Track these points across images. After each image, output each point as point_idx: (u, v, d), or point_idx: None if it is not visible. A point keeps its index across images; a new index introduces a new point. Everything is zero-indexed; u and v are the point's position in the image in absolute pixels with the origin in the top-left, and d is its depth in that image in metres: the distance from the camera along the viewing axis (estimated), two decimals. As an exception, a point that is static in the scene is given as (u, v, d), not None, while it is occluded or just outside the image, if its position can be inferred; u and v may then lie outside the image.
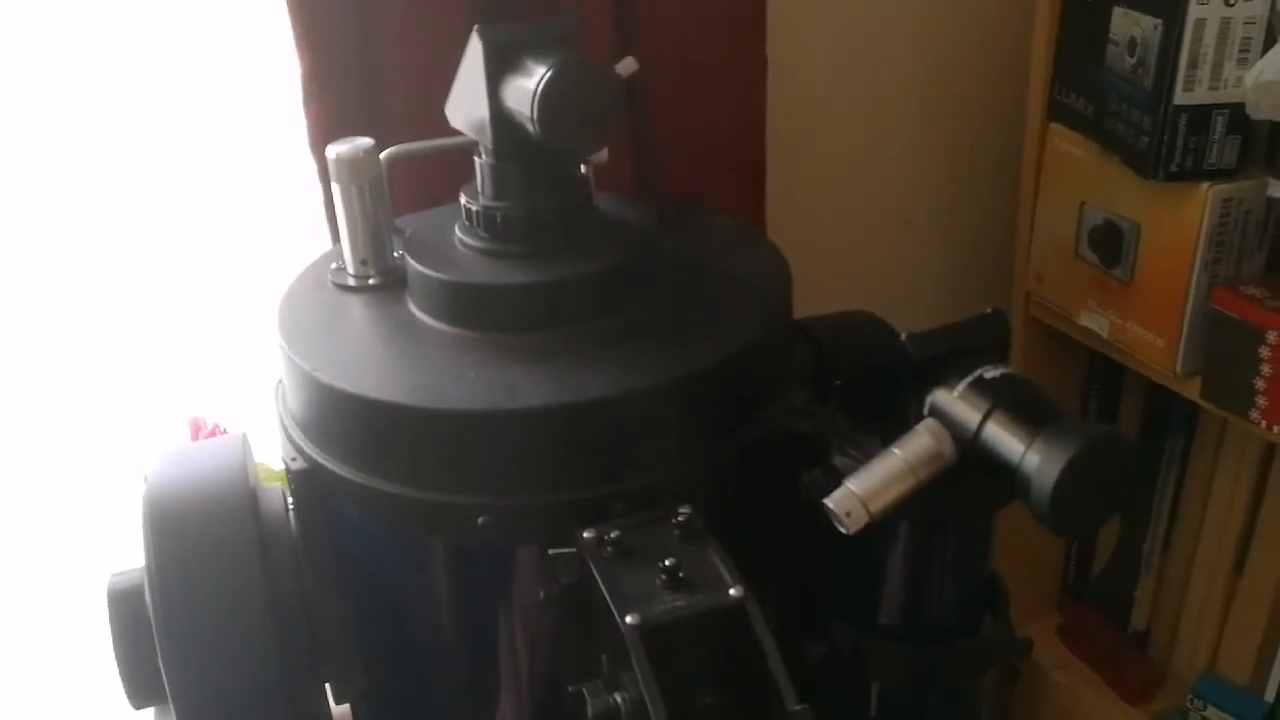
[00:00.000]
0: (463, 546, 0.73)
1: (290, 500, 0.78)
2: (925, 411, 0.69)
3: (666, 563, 0.61)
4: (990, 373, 0.67)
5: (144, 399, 1.34)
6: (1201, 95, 1.01)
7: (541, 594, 0.68)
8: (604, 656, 0.63)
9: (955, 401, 0.67)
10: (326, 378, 0.73)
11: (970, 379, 0.67)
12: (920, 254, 1.41)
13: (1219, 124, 1.02)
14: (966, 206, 1.41)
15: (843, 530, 0.65)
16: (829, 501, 0.65)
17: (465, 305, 0.76)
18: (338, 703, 0.81)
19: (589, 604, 0.63)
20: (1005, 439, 0.64)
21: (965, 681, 0.77)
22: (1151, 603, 1.36)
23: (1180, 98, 1.01)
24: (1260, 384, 1.01)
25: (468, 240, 0.79)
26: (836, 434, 0.72)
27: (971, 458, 0.66)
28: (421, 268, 0.78)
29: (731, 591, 0.61)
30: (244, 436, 0.80)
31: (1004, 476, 0.64)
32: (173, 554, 0.70)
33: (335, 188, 0.82)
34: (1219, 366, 1.06)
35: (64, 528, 1.17)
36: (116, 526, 1.08)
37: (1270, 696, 1.24)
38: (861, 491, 0.65)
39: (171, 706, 0.69)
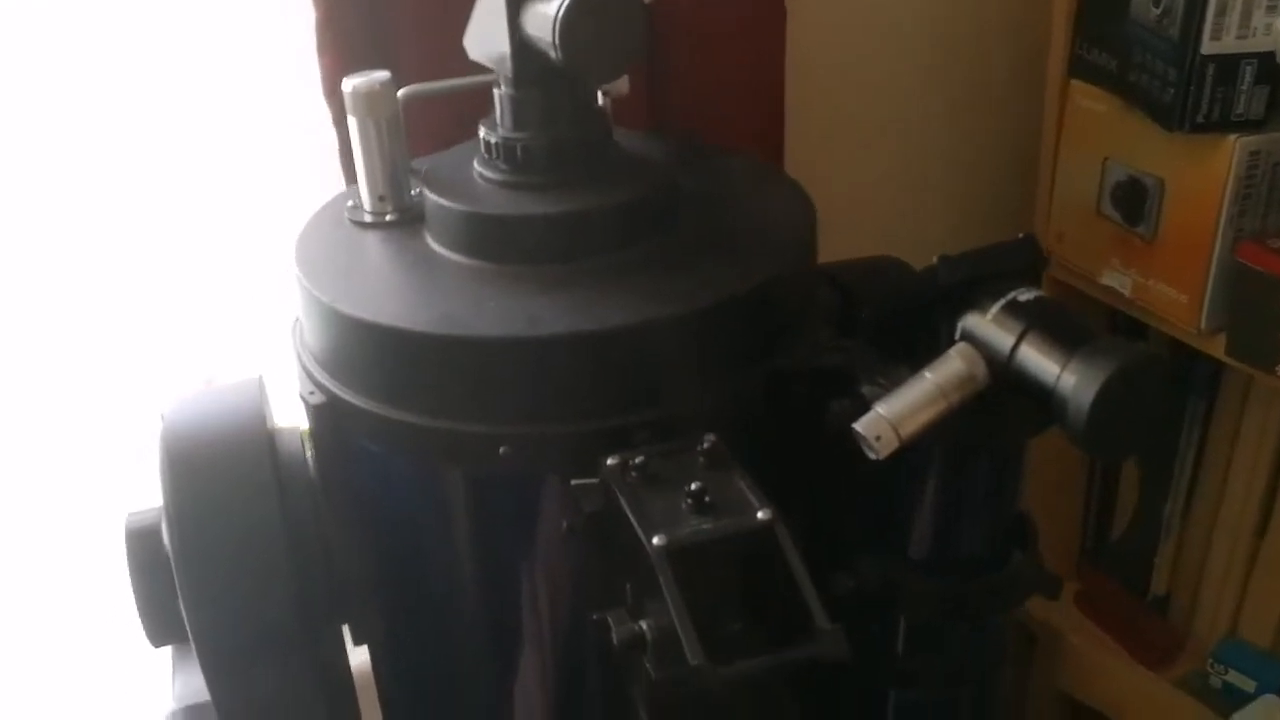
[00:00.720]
0: (483, 477, 0.71)
1: (308, 440, 0.77)
2: (956, 336, 0.67)
3: (692, 487, 0.60)
4: (1024, 295, 0.66)
5: (157, 359, 1.33)
6: (1229, 44, 0.99)
7: (564, 524, 0.67)
8: (628, 586, 0.62)
9: (988, 325, 0.66)
10: (346, 308, 0.72)
11: (1003, 302, 0.65)
12: (938, 214, 1.39)
13: (1247, 73, 1.00)
14: (985, 166, 1.39)
15: (872, 456, 0.64)
16: (858, 426, 0.64)
17: (485, 237, 0.75)
18: (356, 644, 0.80)
19: (612, 534, 0.62)
20: (1040, 360, 0.63)
21: (994, 615, 0.76)
22: (1171, 567, 1.34)
23: (1207, 47, 0.99)
24: (1287, 338, 1.00)
25: (487, 173, 0.78)
26: (864, 366, 0.71)
27: (1005, 381, 0.65)
28: (440, 200, 0.76)
29: (759, 514, 0.59)
30: (260, 378, 0.79)
31: (1039, 399, 0.63)
32: (190, 493, 0.69)
33: (351, 122, 0.81)
34: (1244, 322, 1.04)
35: (82, 477, 1.16)
36: (132, 475, 1.08)
37: (1292, 660, 1.23)
38: (891, 415, 0.64)
39: (191, 644, 0.68)
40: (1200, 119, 1.01)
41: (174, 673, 0.77)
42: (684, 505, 0.60)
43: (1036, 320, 0.64)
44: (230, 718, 0.69)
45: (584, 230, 0.74)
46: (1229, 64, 1.00)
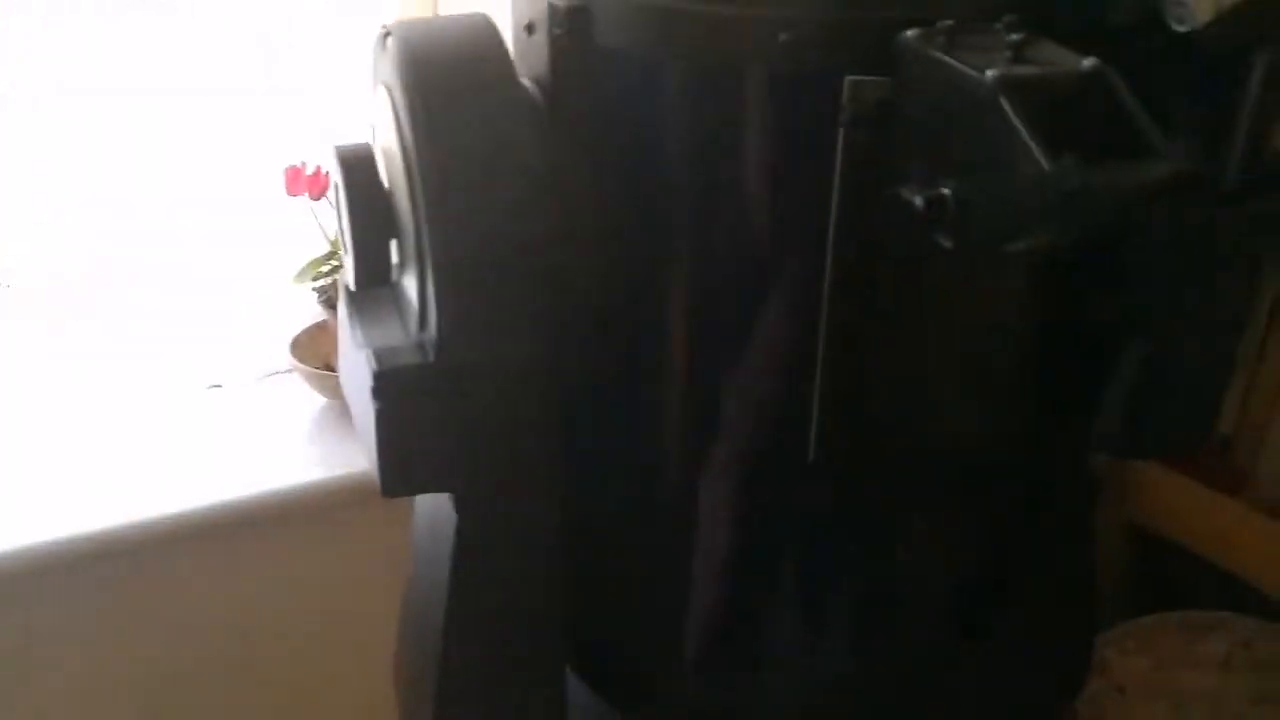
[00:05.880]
0: (753, 76, 0.64)
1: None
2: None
3: (1011, 38, 0.55)
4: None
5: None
6: None
7: (844, 117, 0.60)
8: (912, 169, 0.57)
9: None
10: None
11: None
12: None
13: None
14: None
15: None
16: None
17: None
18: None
19: (902, 117, 0.59)
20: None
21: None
22: (1240, 407, 1.34)
23: None
24: None
25: None
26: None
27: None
28: None
29: (1084, 64, 0.55)
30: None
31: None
32: (442, 105, 0.64)
33: None
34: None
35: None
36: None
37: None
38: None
39: (429, 268, 0.64)
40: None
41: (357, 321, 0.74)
42: (1006, 56, 0.55)
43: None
44: (461, 341, 0.66)
45: None
46: None
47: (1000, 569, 0.83)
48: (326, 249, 1.27)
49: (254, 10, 1.32)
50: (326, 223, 1.25)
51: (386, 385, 0.66)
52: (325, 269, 1.27)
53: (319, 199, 1.24)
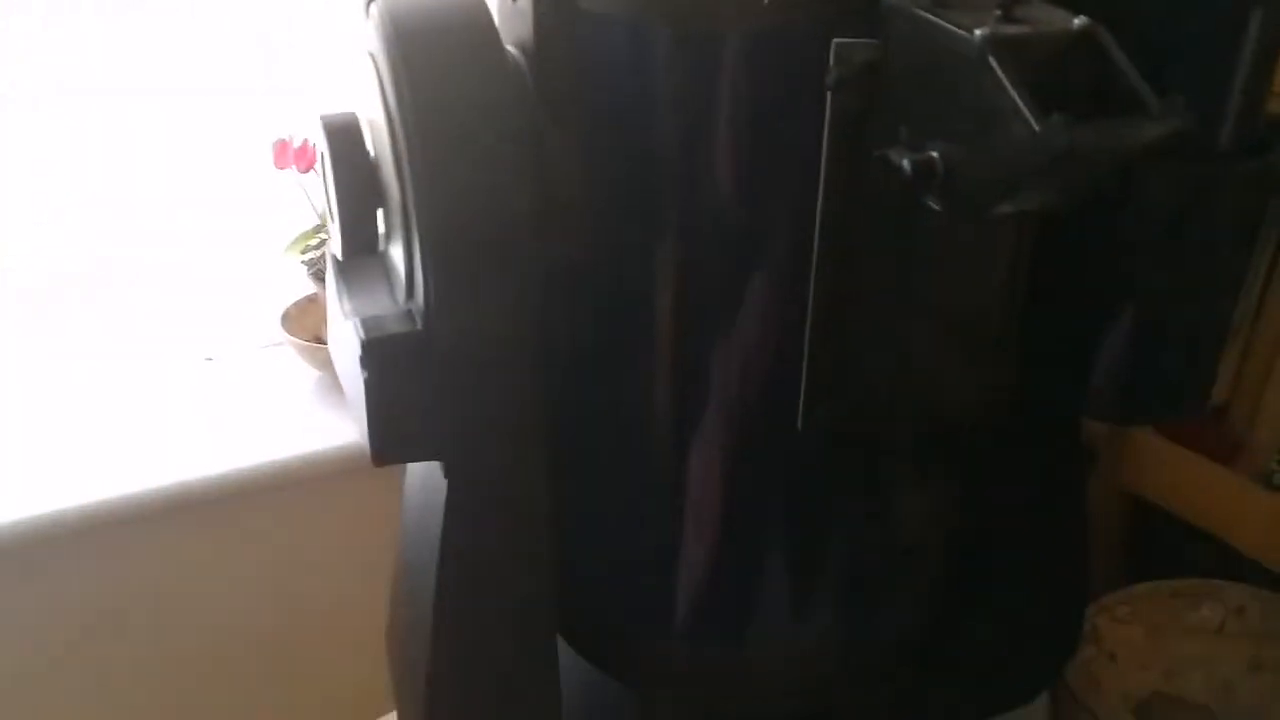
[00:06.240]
0: (738, 39, 0.64)
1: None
2: None
3: None
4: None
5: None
6: None
7: (830, 79, 0.59)
8: (902, 129, 0.57)
9: None
10: None
11: None
12: None
13: None
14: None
15: None
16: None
17: None
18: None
19: (889, 78, 0.58)
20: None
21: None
22: (1235, 374, 1.34)
23: None
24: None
25: None
26: None
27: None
28: None
29: (1075, 22, 0.54)
30: None
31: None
32: (429, 73, 0.63)
33: None
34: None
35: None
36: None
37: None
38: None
39: (416, 236, 0.64)
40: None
41: (345, 291, 0.73)
42: (994, 15, 0.54)
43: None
44: (449, 308, 0.65)
45: None
46: None
47: (992, 535, 0.83)
48: (315, 222, 1.26)
49: (254, 10, 1.32)
50: (315, 196, 1.25)
51: (375, 353, 0.65)
52: (314, 242, 1.27)
53: (307, 172, 1.24)
